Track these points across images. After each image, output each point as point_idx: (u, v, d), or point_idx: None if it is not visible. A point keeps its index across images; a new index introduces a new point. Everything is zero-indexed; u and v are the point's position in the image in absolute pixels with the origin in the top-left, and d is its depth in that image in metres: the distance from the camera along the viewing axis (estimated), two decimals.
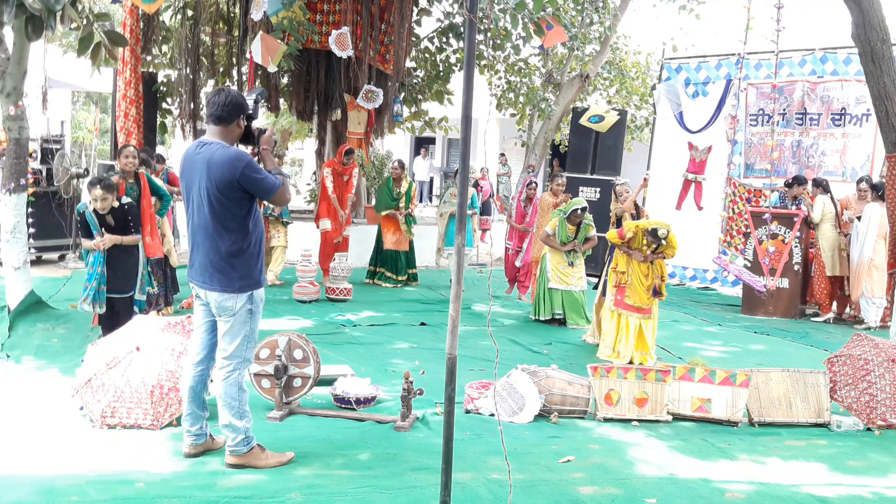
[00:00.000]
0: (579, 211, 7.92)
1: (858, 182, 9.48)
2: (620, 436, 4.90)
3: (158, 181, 7.33)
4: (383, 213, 10.24)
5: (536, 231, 9.22)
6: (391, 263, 10.30)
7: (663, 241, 6.62)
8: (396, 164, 10.60)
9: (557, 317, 8.22)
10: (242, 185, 3.84)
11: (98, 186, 5.82)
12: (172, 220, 7.63)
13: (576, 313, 8.19)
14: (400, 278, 10.29)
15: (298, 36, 9.92)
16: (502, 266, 10.86)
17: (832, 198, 9.48)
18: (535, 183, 9.78)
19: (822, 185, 9.61)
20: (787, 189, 9.71)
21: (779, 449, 4.79)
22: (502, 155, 20.81)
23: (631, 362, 6.55)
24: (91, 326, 6.40)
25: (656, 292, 6.78)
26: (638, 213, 8.45)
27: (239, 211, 3.90)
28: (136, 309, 6.17)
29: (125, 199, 6.16)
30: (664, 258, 6.79)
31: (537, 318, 8.34)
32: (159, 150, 12.16)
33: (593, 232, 8.14)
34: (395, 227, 10.28)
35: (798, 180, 9.71)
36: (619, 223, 8.56)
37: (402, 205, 10.25)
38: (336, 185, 9.90)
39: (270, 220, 9.51)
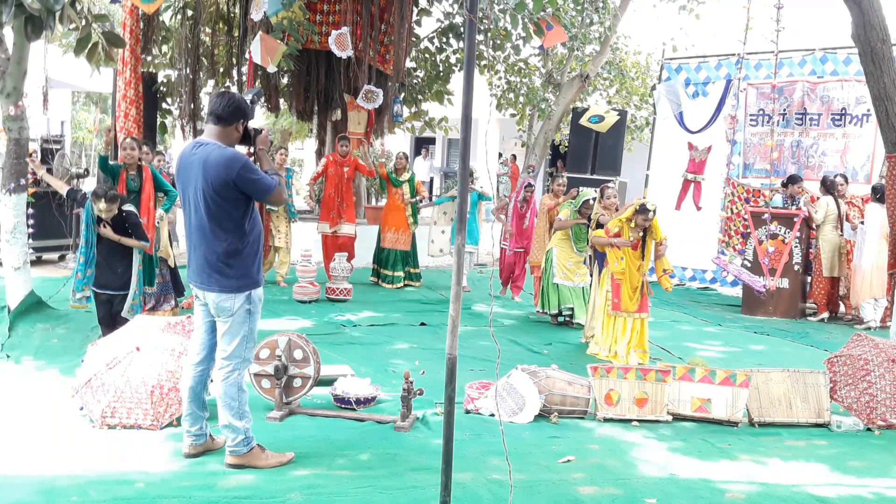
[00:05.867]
0: (591, 201, 7.92)
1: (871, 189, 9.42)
2: (620, 436, 4.90)
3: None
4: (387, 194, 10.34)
5: (535, 234, 9.16)
6: (390, 262, 10.27)
7: (652, 214, 6.57)
8: (401, 154, 10.58)
9: (566, 313, 8.20)
10: (238, 185, 3.83)
11: (102, 200, 5.82)
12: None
13: (581, 309, 8.15)
14: (397, 275, 10.25)
15: (298, 36, 9.92)
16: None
17: (836, 198, 9.45)
18: (533, 185, 9.72)
19: (825, 185, 9.59)
20: (784, 189, 9.72)
21: (779, 449, 4.79)
22: (513, 156, 20.59)
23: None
24: (91, 326, 6.40)
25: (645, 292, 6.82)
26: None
27: (235, 211, 3.90)
28: (133, 309, 6.15)
29: (128, 207, 6.14)
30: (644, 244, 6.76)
31: (545, 311, 8.28)
32: (158, 149, 12.13)
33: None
34: (395, 226, 10.25)
35: (793, 179, 9.71)
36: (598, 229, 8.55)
37: (406, 196, 10.27)
38: (336, 174, 9.94)
39: (272, 216, 9.50)
